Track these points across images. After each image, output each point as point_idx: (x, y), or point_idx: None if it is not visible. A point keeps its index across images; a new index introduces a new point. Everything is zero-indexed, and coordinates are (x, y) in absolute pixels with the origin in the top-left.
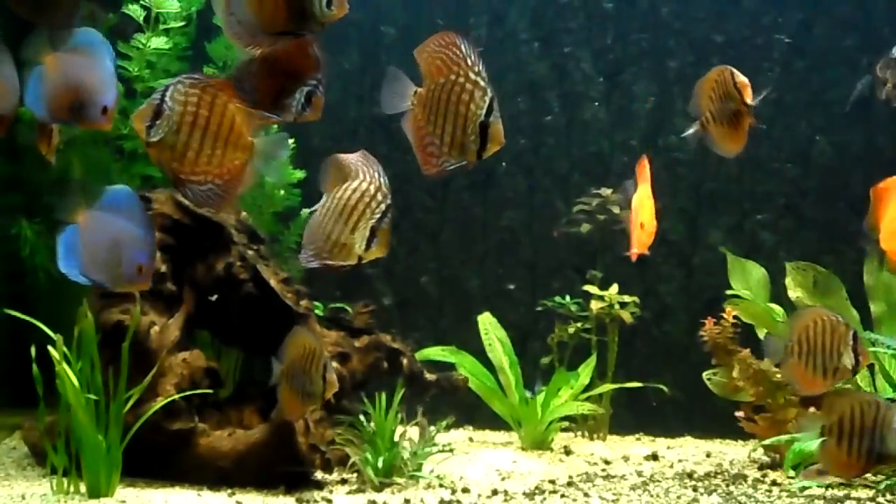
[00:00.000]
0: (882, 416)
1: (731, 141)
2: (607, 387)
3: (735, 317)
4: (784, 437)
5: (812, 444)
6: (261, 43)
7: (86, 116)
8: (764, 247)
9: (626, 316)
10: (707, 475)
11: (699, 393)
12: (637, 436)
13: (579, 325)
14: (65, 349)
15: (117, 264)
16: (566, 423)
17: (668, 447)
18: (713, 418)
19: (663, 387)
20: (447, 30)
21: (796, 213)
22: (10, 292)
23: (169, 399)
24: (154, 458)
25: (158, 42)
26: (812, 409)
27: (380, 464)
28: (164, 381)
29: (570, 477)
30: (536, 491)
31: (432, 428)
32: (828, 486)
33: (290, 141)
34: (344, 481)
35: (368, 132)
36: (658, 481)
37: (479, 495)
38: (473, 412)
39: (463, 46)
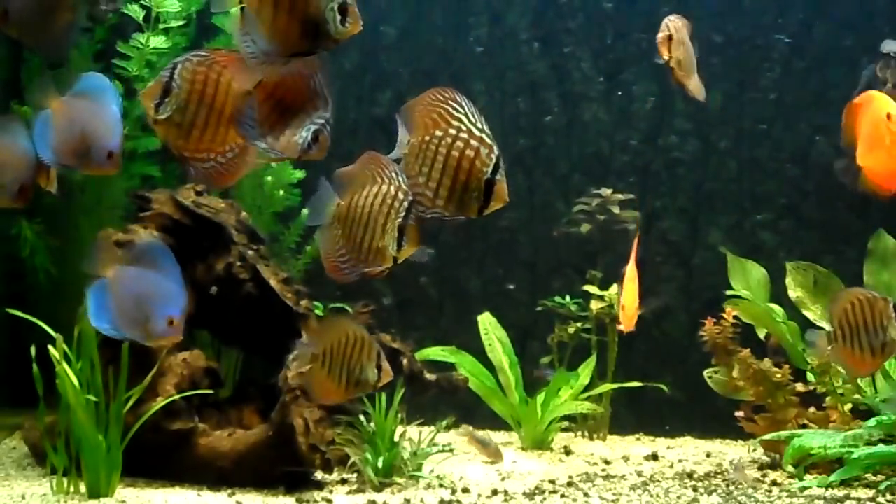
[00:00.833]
0: (880, 310)
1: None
2: (607, 387)
3: (735, 317)
4: (784, 434)
5: (812, 439)
6: (274, 63)
7: (91, 161)
8: (764, 247)
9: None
10: (707, 475)
11: (699, 393)
12: (637, 436)
13: (579, 325)
14: (65, 348)
15: (148, 319)
16: (566, 423)
17: (668, 447)
18: (713, 418)
19: (663, 387)
20: (443, 86)
21: (796, 213)
22: (10, 292)
23: (169, 399)
24: (154, 458)
25: (158, 42)
26: (812, 410)
27: (380, 464)
28: (164, 381)
29: (570, 477)
30: (536, 491)
31: (480, 433)
32: (828, 486)
33: None
34: (344, 481)
35: (368, 132)
36: (658, 481)
37: (479, 495)
38: (473, 412)
39: (463, 102)
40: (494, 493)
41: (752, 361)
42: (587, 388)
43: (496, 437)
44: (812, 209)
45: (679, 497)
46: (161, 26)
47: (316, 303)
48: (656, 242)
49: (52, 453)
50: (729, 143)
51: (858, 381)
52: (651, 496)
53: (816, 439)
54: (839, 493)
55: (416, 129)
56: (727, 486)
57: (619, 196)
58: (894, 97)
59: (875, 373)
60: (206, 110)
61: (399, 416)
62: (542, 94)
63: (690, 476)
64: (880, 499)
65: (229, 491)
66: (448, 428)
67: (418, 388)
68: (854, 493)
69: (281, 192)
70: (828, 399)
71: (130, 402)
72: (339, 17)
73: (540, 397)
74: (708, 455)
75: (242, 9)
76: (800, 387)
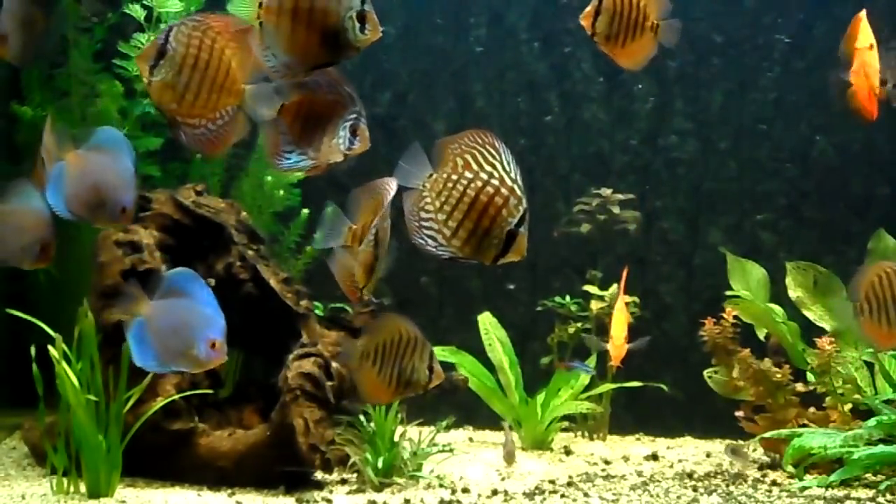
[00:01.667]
0: None
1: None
2: (607, 387)
3: (735, 317)
4: (784, 432)
5: (812, 439)
6: (294, 75)
7: (104, 215)
8: (764, 247)
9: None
10: (707, 475)
11: (699, 393)
12: (637, 436)
13: (579, 325)
14: (65, 348)
15: (190, 347)
16: (566, 423)
17: (668, 447)
18: (713, 418)
19: (663, 387)
20: (483, 129)
21: (796, 213)
22: (10, 292)
23: (169, 399)
24: (154, 458)
25: None
26: (812, 410)
27: (380, 464)
28: (164, 381)
29: (570, 477)
30: (536, 491)
31: (514, 434)
32: (828, 486)
33: None
34: (344, 481)
35: (369, 132)
36: (658, 481)
37: (479, 495)
38: (473, 412)
39: (501, 149)
40: (494, 493)
41: (752, 361)
42: (587, 388)
43: (496, 437)
44: (812, 209)
45: (679, 497)
46: (162, 27)
47: (316, 303)
48: (656, 242)
49: (52, 453)
50: (729, 143)
51: (858, 381)
52: (651, 496)
53: (816, 439)
54: (839, 493)
55: (445, 164)
56: (727, 485)
57: (619, 196)
58: (895, 97)
59: None
60: (199, 74)
61: (399, 416)
62: (542, 94)
63: (690, 476)
64: (880, 499)
65: (229, 491)
66: (448, 428)
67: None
68: (854, 493)
69: (281, 192)
70: (828, 399)
71: (130, 402)
72: (358, 26)
73: (540, 397)
74: (708, 455)
75: (261, 23)
76: (800, 387)
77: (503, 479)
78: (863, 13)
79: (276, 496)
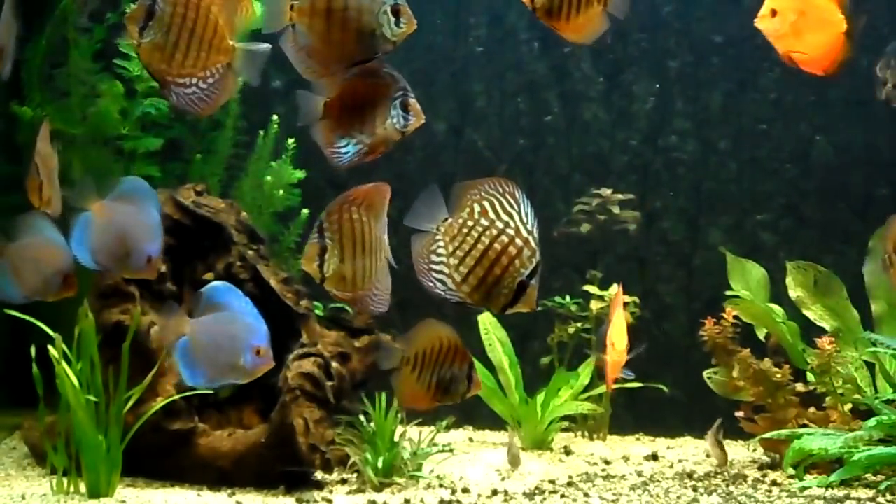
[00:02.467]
0: None
1: None
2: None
3: (735, 317)
4: (784, 432)
5: (812, 441)
6: (331, 74)
7: (130, 265)
8: (764, 247)
9: (626, 316)
10: (707, 475)
11: (699, 393)
12: (637, 436)
13: (579, 325)
14: (64, 348)
15: (236, 357)
16: (566, 423)
17: (668, 447)
18: (713, 418)
19: (663, 387)
20: (506, 178)
21: (796, 213)
22: None
23: (169, 399)
24: (154, 458)
25: None
26: (812, 410)
27: (380, 464)
28: (164, 381)
29: (570, 477)
30: (536, 491)
31: (517, 439)
32: (828, 486)
33: (290, 141)
34: (344, 481)
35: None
36: (658, 481)
37: (479, 495)
38: (473, 412)
39: (521, 199)
40: (494, 493)
41: (752, 361)
42: (587, 388)
43: (496, 436)
44: (812, 209)
45: (679, 497)
46: None
47: (316, 303)
48: (656, 242)
49: (52, 453)
50: (729, 143)
51: (858, 381)
52: (651, 496)
53: (816, 441)
54: (839, 493)
55: (462, 209)
56: (727, 485)
57: (619, 196)
58: (895, 97)
59: None
60: (188, 33)
61: (399, 416)
62: (542, 94)
63: (690, 476)
64: (880, 499)
65: (229, 491)
66: (448, 428)
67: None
68: (854, 493)
69: (281, 192)
70: (828, 399)
71: (130, 402)
72: (392, 20)
73: (540, 397)
74: (708, 455)
75: (293, 25)
76: (800, 387)
77: (503, 479)
78: None
79: (276, 496)
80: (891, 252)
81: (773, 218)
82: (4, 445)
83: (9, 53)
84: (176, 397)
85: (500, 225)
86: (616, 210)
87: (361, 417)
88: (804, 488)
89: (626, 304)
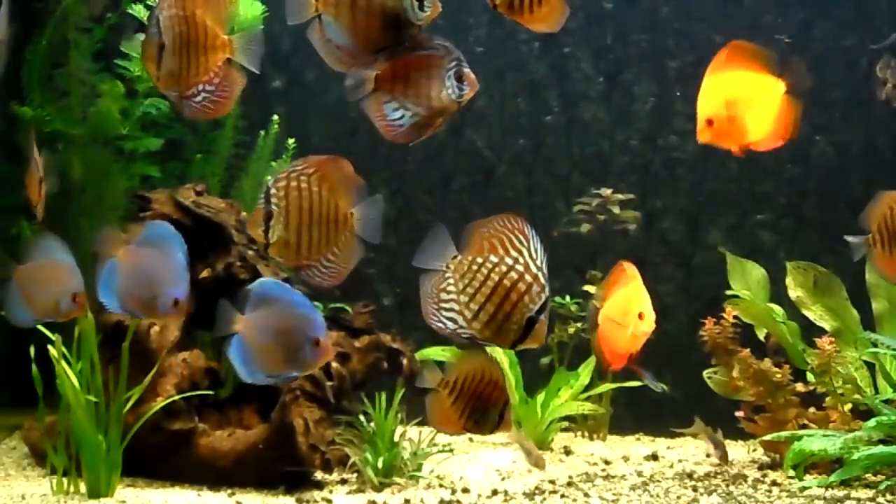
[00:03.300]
0: None
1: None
2: (607, 387)
3: (735, 317)
4: (784, 434)
5: (812, 442)
6: (360, 62)
7: (157, 308)
8: (764, 247)
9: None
10: (707, 475)
11: (699, 393)
12: (637, 436)
13: (579, 325)
14: (64, 350)
15: (296, 350)
16: (566, 423)
17: (668, 447)
18: (713, 418)
19: (663, 387)
20: (514, 214)
21: (796, 213)
22: None
23: (169, 399)
24: (154, 458)
25: None
26: (812, 410)
27: (380, 464)
28: (164, 381)
29: (570, 477)
30: (536, 491)
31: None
32: (828, 486)
33: (291, 141)
34: (344, 481)
35: (368, 132)
36: (658, 481)
37: (479, 495)
38: None
39: (530, 236)
40: (494, 493)
41: (752, 361)
42: (587, 388)
43: (496, 437)
44: (812, 209)
45: (679, 497)
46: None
47: (316, 303)
48: (656, 242)
49: (52, 453)
50: None
51: (858, 381)
52: (651, 496)
53: (816, 443)
54: (839, 493)
55: (472, 247)
56: (727, 485)
57: (619, 196)
58: (895, 97)
59: None
60: (185, 47)
61: (399, 416)
62: (542, 94)
63: (690, 476)
64: (880, 499)
65: (229, 491)
66: None
67: (418, 388)
68: (854, 493)
69: None
70: (828, 399)
71: (130, 402)
72: (416, 4)
73: (540, 397)
74: (708, 455)
75: (320, 16)
76: (800, 387)
77: (503, 479)
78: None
79: (276, 496)
80: (875, 232)
81: (773, 218)
82: (4, 445)
83: (2, 53)
84: (176, 397)
85: (509, 262)
86: (616, 210)
87: (361, 417)
88: (804, 488)
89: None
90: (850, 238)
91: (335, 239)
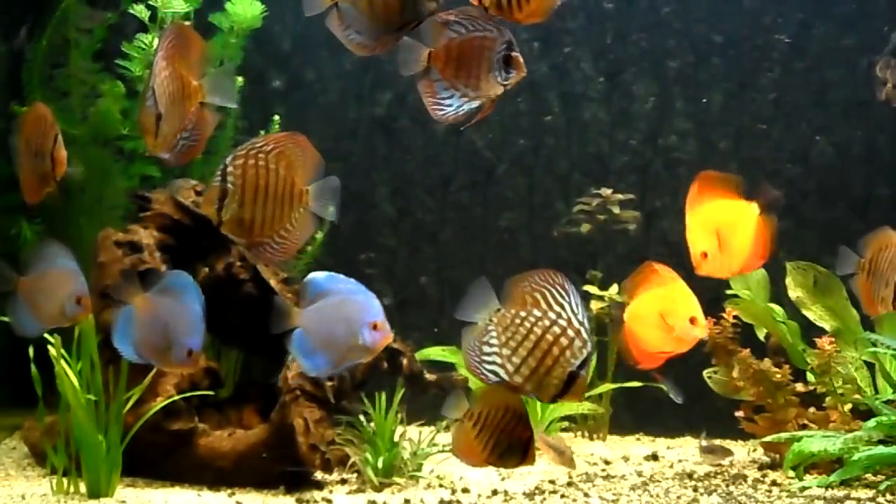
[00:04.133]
0: None
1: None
2: (607, 387)
3: (735, 317)
4: (784, 435)
5: (812, 443)
6: (382, 44)
7: (171, 358)
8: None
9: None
10: (707, 475)
11: (699, 393)
12: (637, 436)
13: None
14: (63, 353)
15: (354, 337)
16: (566, 423)
17: (668, 447)
18: (713, 418)
19: (663, 386)
20: (553, 270)
21: (796, 213)
22: (9, 293)
23: (169, 399)
24: (154, 458)
25: None
26: (812, 410)
27: (380, 464)
28: (164, 382)
29: (570, 477)
30: (536, 491)
31: (553, 439)
32: (828, 486)
33: None
34: (344, 481)
35: (368, 132)
36: (658, 481)
37: (479, 495)
38: None
39: (571, 290)
40: (494, 493)
41: (752, 361)
42: (587, 388)
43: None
44: (812, 209)
45: (679, 497)
46: (167, 27)
47: None
48: (656, 242)
49: (52, 453)
50: (729, 143)
51: (858, 381)
52: (651, 496)
53: (816, 443)
54: (839, 493)
55: (513, 301)
56: (727, 485)
57: (619, 196)
58: (895, 97)
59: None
60: (164, 97)
61: (399, 416)
62: (542, 94)
63: (690, 476)
64: (880, 499)
65: (229, 491)
66: (448, 428)
67: (418, 388)
68: (854, 493)
69: None
70: (828, 399)
71: (130, 402)
72: None
73: None
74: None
75: (336, 5)
76: (800, 387)
77: (503, 479)
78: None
79: (276, 496)
80: (867, 260)
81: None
82: (4, 445)
83: None
84: (176, 398)
85: (552, 316)
86: (616, 210)
87: (361, 417)
88: (804, 488)
89: (623, 305)
90: (844, 250)
91: (289, 216)
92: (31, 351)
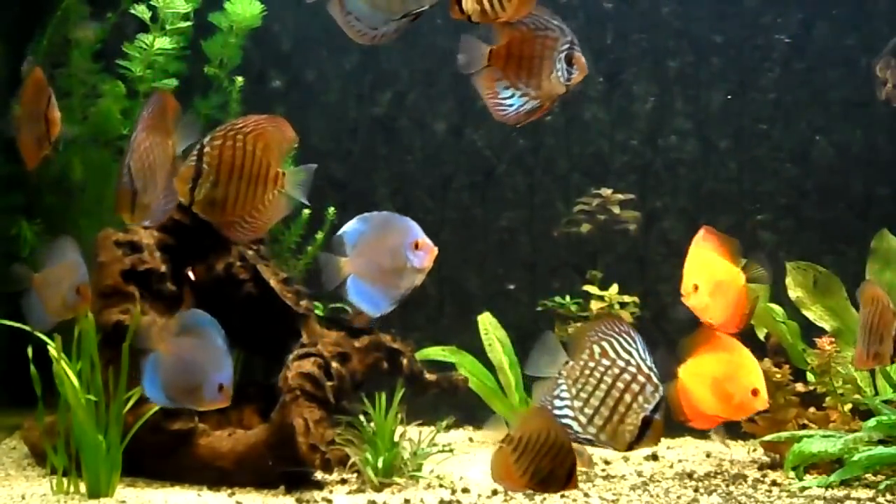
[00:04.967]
0: (887, 322)
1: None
2: None
3: None
4: (784, 434)
5: (812, 444)
6: (384, 33)
7: (203, 397)
8: (764, 247)
9: (626, 316)
10: (707, 475)
11: None
12: None
13: (579, 325)
14: (62, 356)
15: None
16: None
17: (668, 447)
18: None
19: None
20: (616, 318)
21: (796, 213)
22: (9, 293)
23: None
24: (154, 458)
25: (163, 43)
26: (812, 410)
27: (380, 464)
28: None
29: None
30: None
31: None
32: (828, 486)
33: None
34: (344, 481)
35: (368, 132)
36: (658, 481)
37: (479, 495)
38: (473, 412)
39: (636, 338)
40: (494, 493)
41: None
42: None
43: (496, 437)
44: (812, 209)
45: (679, 497)
46: (169, 27)
47: (316, 303)
48: (656, 242)
49: (51, 453)
50: (729, 143)
51: (858, 381)
52: (651, 496)
53: (816, 443)
54: (839, 493)
55: (581, 353)
56: (727, 485)
57: (619, 196)
58: (895, 97)
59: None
60: (145, 173)
61: (399, 416)
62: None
63: (690, 476)
64: (880, 499)
65: (229, 491)
66: (448, 428)
67: (418, 389)
68: (854, 493)
69: None
70: (828, 399)
71: (130, 403)
72: None
73: None
74: (708, 455)
75: None
76: (800, 387)
77: None
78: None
79: (276, 496)
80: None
81: (773, 218)
82: (4, 445)
83: None
84: None
85: (621, 364)
86: (616, 210)
87: (361, 417)
88: (804, 488)
89: (625, 304)
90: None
91: (262, 197)
92: (30, 351)
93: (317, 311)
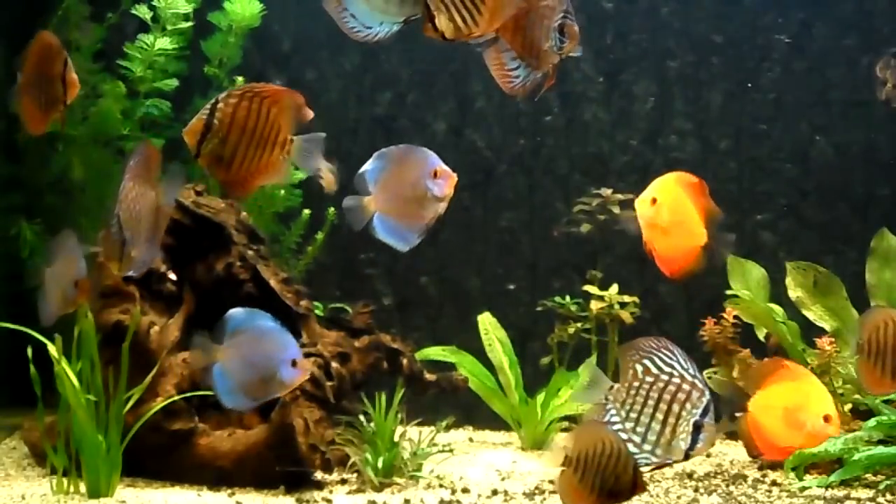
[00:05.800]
0: None
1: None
2: None
3: (735, 317)
4: None
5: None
6: (377, 34)
7: (282, 380)
8: (764, 247)
9: (625, 316)
10: (707, 475)
11: None
12: None
13: (579, 325)
14: (61, 358)
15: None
16: (566, 423)
17: None
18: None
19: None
20: (653, 337)
21: (796, 213)
22: (9, 293)
23: (169, 399)
24: (154, 458)
25: (164, 43)
26: None
27: (380, 464)
28: (164, 382)
29: None
30: (536, 491)
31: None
32: (828, 486)
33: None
34: (344, 481)
35: (368, 132)
36: (658, 481)
37: (479, 495)
38: (473, 412)
39: (676, 350)
40: (494, 493)
41: (752, 361)
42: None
43: (496, 437)
44: (812, 209)
45: (679, 497)
46: (170, 27)
47: (316, 303)
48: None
49: (51, 453)
50: (729, 143)
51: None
52: (651, 496)
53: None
54: (839, 493)
55: (625, 375)
56: (727, 485)
57: (619, 196)
58: (895, 97)
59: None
60: (133, 223)
61: (399, 416)
62: (543, 94)
63: (690, 476)
64: (880, 499)
65: (229, 491)
66: (448, 428)
67: (418, 388)
68: (854, 493)
69: (282, 193)
70: None
71: (130, 403)
72: None
73: (540, 397)
74: (708, 455)
75: None
76: None
77: (503, 479)
78: None
79: (276, 496)
80: (865, 341)
81: (773, 218)
82: (4, 445)
83: None
84: (176, 398)
85: (664, 378)
86: (616, 210)
87: (361, 417)
88: (804, 488)
89: (625, 304)
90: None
91: (267, 160)
92: (30, 351)
93: (317, 311)
